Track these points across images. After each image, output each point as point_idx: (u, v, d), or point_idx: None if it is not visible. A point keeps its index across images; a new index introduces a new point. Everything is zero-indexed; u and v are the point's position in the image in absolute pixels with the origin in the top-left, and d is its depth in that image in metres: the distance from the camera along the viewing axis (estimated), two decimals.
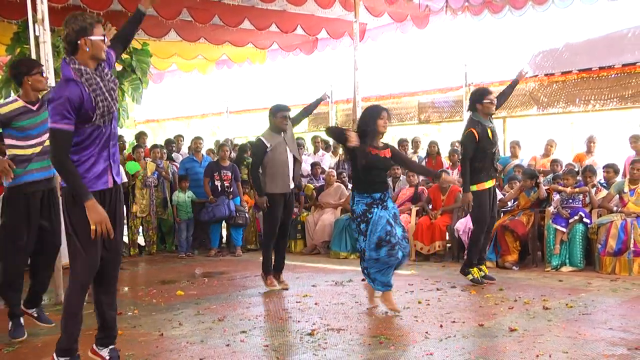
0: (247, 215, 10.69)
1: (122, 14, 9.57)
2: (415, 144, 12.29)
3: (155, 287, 7.66)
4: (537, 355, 4.46)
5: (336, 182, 10.81)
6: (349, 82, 10.51)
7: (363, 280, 6.58)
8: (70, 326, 4.06)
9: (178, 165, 11.53)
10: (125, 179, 4.23)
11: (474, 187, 7.23)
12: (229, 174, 10.62)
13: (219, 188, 10.52)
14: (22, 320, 5.43)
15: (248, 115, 17.04)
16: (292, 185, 7.44)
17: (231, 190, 10.58)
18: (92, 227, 3.82)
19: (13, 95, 5.34)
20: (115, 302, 4.30)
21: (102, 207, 3.92)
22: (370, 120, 6.08)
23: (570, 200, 8.37)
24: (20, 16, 8.49)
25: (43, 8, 6.63)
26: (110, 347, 4.27)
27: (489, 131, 7.18)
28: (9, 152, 5.32)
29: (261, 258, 7.48)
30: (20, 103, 5.25)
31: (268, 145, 7.24)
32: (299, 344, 4.99)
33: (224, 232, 11.36)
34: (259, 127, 16.96)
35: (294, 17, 11.12)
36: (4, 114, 5.19)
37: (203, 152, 11.72)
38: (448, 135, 14.68)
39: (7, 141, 5.31)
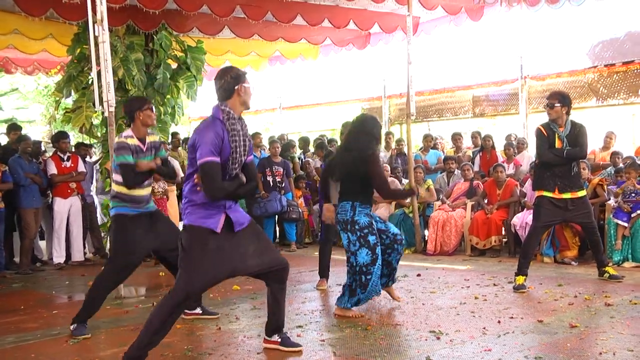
0: (300, 210, 10.74)
1: (177, 13, 9.69)
2: (475, 139, 12.06)
3: None
4: (601, 353, 4.34)
5: (390, 176, 10.74)
6: (402, 76, 10.42)
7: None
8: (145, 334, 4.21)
9: None
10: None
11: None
12: (280, 169, 10.72)
13: (271, 183, 10.62)
14: None
15: (301, 111, 17.12)
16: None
17: (283, 185, 10.66)
18: None
19: (127, 130, 5.46)
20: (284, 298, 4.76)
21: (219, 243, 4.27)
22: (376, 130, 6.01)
23: (632, 194, 8.13)
24: (80, 17, 8.72)
25: (102, 9, 6.81)
26: (278, 333, 4.74)
27: (555, 137, 6.73)
28: (116, 188, 5.44)
29: (316, 253, 7.53)
30: (135, 141, 5.37)
31: None
32: (356, 338, 4.99)
33: (277, 228, 11.42)
34: (312, 123, 17.10)
35: (346, 12, 11.09)
36: (132, 145, 5.32)
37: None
38: (503, 128, 14.42)
39: (116, 177, 5.44)
